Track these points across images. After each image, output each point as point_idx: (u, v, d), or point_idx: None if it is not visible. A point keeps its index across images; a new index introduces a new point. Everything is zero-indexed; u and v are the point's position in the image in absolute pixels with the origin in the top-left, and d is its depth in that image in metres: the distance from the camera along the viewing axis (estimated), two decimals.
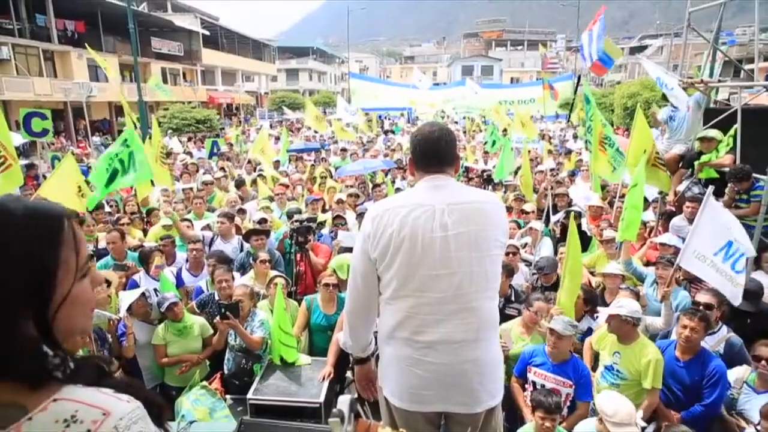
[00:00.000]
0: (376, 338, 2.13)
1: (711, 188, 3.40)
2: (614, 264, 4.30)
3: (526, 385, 3.27)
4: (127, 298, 3.98)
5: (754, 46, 6.27)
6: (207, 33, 37.68)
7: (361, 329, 2.06)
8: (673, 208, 5.97)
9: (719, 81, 6.49)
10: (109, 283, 4.14)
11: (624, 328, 3.23)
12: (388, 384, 1.95)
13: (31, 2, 24.12)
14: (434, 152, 1.91)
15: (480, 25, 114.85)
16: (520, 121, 14.82)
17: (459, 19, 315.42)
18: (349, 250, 5.07)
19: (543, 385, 3.12)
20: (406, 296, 1.82)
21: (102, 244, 5.30)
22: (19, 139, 10.53)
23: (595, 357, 3.57)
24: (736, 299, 3.41)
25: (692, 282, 4.33)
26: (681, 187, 5.82)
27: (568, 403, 3.13)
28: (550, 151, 12.95)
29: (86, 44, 13.54)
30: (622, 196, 5.80)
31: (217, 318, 3.76)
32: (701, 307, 3.33)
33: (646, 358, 3.12)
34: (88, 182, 7.95)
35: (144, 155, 6.43)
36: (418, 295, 1.81)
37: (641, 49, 54.86)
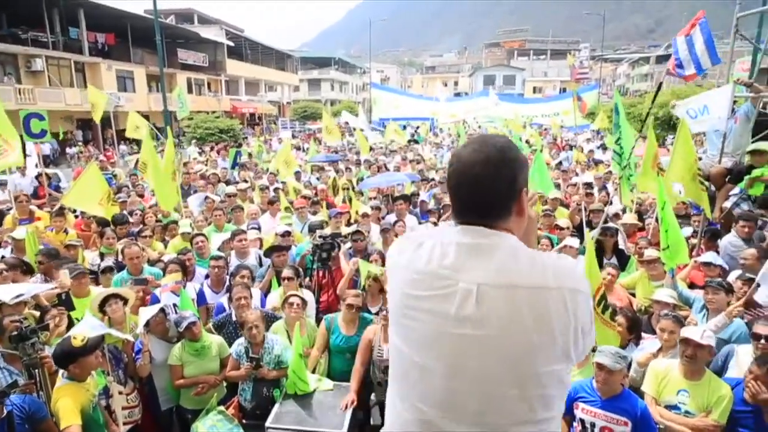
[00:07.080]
0: None
1: None
2: (667, 291, 3.96)
3: (574, 423, 2.97)
4: (146, 313, 3.84)
5: None
6: (232, 44, 38.41)
7: None
8: (718, 226, 5.59)
9: None
10: (125, 300, 4.01)
11: (703, 361, 2.96)
12: None
13: (65, 16, 24.93)
14: (470, 191, 1.18)
15: (502, 35, 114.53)
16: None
17: (480, 28, 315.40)
18: None
19: (593, 424, 2.82)
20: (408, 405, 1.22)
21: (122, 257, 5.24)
22: (47, 148, 10.74)
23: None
24: None
25: (747, 309, 3.98)
26: (728, 204, 5.44)
27: None
28: (579, 162, 12.55)
29: (112, 58, 13.70)
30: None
31: (246, 364, 3.67)
32: (763, 340, 2.99)
33: (720, 392, 2.88)
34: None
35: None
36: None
37: (668, 57, 53.60)
